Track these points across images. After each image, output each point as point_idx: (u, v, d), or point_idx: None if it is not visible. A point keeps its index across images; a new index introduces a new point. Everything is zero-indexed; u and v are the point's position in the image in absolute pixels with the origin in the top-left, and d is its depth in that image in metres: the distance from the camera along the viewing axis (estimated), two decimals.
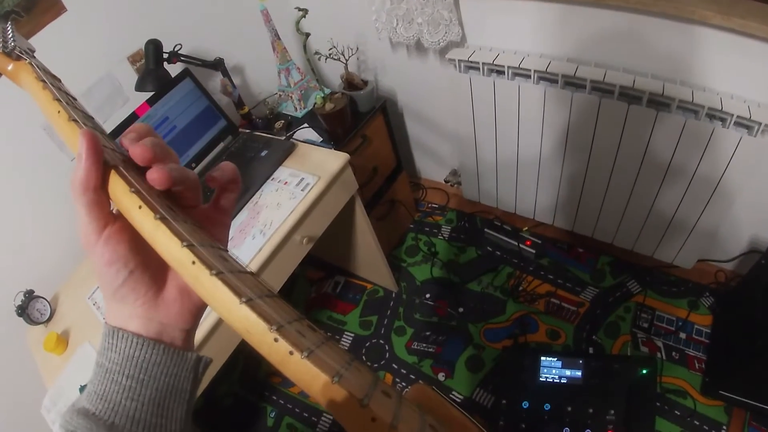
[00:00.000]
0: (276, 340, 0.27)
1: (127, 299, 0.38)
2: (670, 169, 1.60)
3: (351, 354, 0.29)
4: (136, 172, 0.36)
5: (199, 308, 0.41)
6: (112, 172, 0.35)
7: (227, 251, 0.35)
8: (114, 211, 0.38)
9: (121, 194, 0.34)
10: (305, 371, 0.26)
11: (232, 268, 0.31)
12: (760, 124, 1.33)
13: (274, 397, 2.10)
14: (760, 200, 1.61)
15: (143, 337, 0.38)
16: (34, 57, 0.47)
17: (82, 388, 1.23)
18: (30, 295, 1.51)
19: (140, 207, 0.33)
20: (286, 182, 1.53)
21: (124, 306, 0.39)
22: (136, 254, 0.38)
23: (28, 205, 1.52)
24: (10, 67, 0.46)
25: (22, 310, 1.47)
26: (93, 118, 0.41)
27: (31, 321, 1.48)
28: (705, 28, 1.31)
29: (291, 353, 0.26)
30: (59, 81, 0.45)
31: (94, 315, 1.42)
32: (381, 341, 2.12)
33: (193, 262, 0.30)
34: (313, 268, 2.51)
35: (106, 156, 0.35)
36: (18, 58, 0.46)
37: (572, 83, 1.60)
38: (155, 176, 0.35)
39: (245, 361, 2.25)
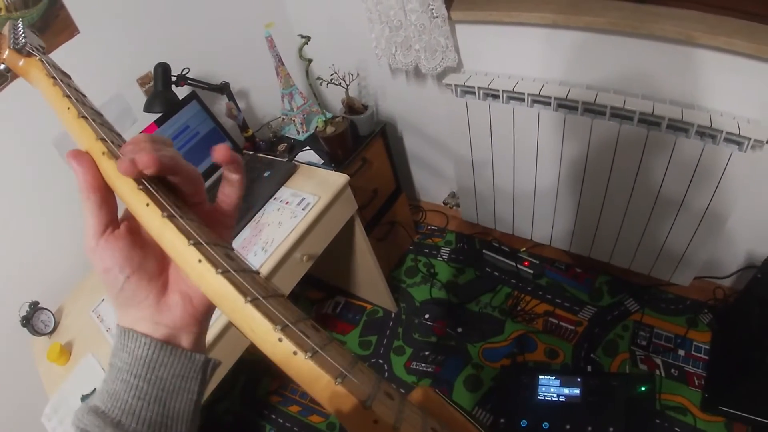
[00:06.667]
0: (280, 339, 0.27)
1: (130, 303, 0.39)
2: (666, 193, 1.64)
3: (355, 356, 0.29)
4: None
5: (202, 313, 0.41)
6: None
7: (234, 250, 0.35)
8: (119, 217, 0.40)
9: (129, 192, 0.34)
10: (308, 372, 0.26)
11: (238, 266, 0.31)
12: None
13: (274, 416, 2.10)
14: (755, 217, 1.64)
15: (151, 337, 0.38)
16: (45, 54, 0.47)
17: (84, 398, 1.25)
18: (35, 307, 1.52)
19: (147, 204, 0.33)
20: (287, 202, 1.57)
21: (130, 310, 0.39)
22: (132, 260, 0.38)
23: (38, 217, 1.55)
24: (21, 63, 0.46)
25: (27, 321, 1.48)
26: (102, 115, 0.42)
27: (35, 332, 1.50)
28: (724, 54, 1.33)
29: (295, 353, 0.26)
30: (69, 78, 0.45)
31: (97, 328, 1.44)
32: (380, 361, 2.13)
33: (200, 260, 0.30)
34: (313, 289, 2.52)
35: (115, 153, 0.36)
36: (28, 55, 0.46)
37: (566, 106, 1.66)
38: (144, 159, 0.33)
39: (246, 379, 2.25)
